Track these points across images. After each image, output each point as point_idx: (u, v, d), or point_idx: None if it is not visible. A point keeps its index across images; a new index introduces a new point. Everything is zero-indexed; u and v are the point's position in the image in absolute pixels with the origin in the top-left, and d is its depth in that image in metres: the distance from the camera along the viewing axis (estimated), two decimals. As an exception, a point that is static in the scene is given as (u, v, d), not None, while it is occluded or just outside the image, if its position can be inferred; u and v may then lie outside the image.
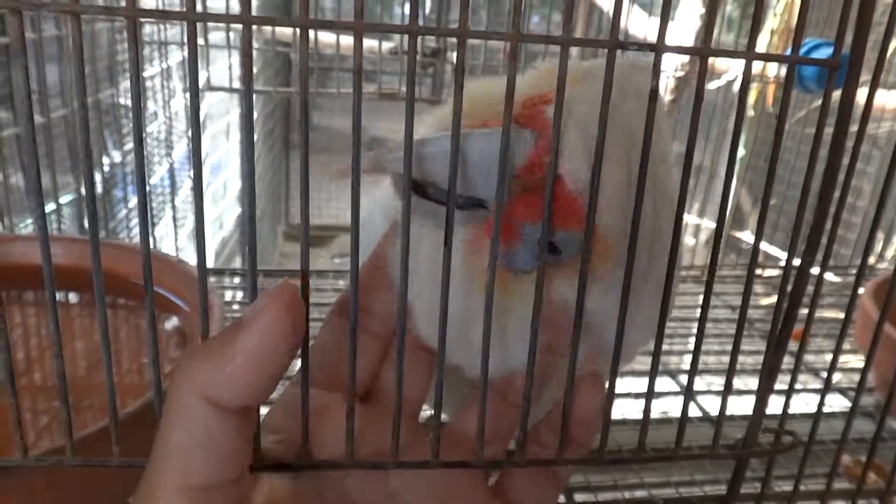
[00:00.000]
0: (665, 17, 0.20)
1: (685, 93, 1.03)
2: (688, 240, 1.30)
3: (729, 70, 1.26)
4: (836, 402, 0.64)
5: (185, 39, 0.18)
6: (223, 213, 1.85)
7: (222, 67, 1.03)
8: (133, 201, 1.00)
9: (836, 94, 0.23)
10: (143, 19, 0.17)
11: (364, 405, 0.26)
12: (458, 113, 0.19)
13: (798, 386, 0.65)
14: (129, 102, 1.03)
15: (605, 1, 1.28)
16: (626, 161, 0.23)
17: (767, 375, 0.25)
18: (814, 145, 0.24)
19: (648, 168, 0.24)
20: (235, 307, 0.77)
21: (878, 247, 1.12)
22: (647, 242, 0.24)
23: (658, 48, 0.20)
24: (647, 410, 0.24)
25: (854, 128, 0.25)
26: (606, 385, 0.24)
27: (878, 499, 0.33)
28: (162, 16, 0.18)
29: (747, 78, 0.21)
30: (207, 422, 0.19)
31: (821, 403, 0.32)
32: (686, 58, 1.11)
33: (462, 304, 0.25)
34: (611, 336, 0.23)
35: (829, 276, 0.99)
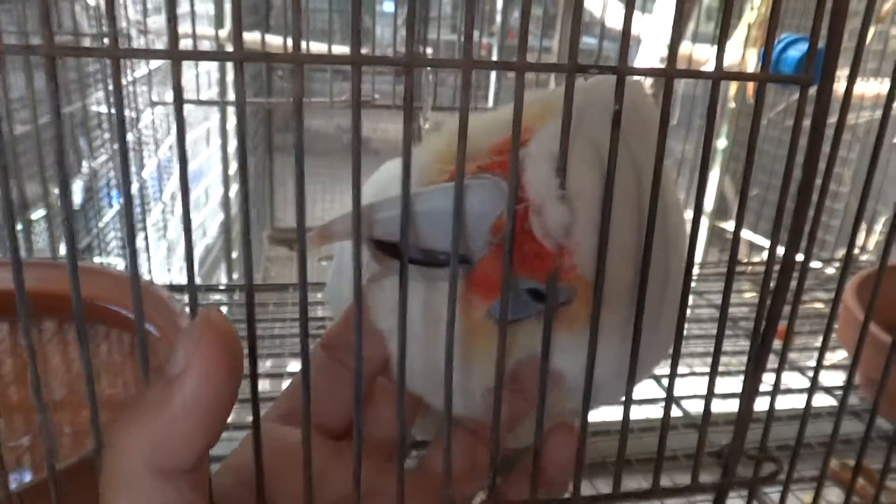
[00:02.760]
0: (626, 37, 0.19)
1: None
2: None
3: (708, 62, 1.26)
4: (824, 402, 0.64)
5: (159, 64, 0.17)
6: (206, 219, 1.83)
7: (192, 77, 1.01)
8: (107, 216, 0.98)
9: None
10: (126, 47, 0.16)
11: (342, 443, 0.26)
12: (407, 165, 0.18)
13: (782, 386, 0.64)
14: (100, 110, 1.01)
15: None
16: (622, 206, 0.22)
17: (747, 399, 0.25)
18: (789, 155, 0.23)
19: (638, 207, 0.23)
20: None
21: (861, 238, 1.12)
22: (656, 280, 0.23)
23: (620, 70, 0.19)
24: (622, 447, 0.23)
25: (834, 118, 0.24)
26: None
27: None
28: (84, 53, 0.17)
29: (715, 99, 0.20)
30: (155, 491, 0.18)
31: (806, 409, 0.31)
32: (665, 52, 1.11)
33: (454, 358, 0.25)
34: (616, 385, 0.23)
35: (814, 264, 0.98)
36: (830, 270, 0.96)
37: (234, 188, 1.86)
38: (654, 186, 0.20)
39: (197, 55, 0.17)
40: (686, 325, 0.78)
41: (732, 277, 0.24)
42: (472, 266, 0.24)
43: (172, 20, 0.17)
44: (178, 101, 0.17)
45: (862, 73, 1.12)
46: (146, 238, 0.95)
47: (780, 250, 0.24)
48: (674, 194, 0.26)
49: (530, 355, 0.25)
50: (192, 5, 0.87)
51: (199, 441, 0.18)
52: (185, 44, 0.94)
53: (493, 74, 1.29)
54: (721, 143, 1.67)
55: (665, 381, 0.62)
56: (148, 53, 0.17)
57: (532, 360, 0.24)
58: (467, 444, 0.26)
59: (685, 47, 1.22)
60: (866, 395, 0.61)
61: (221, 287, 0.80)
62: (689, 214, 0.22)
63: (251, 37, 1.00)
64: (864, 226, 1.14)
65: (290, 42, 0.17)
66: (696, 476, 0.24)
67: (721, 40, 0.19)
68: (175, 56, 0.17)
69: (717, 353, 0.25)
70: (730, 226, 1.59)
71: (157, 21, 0.85)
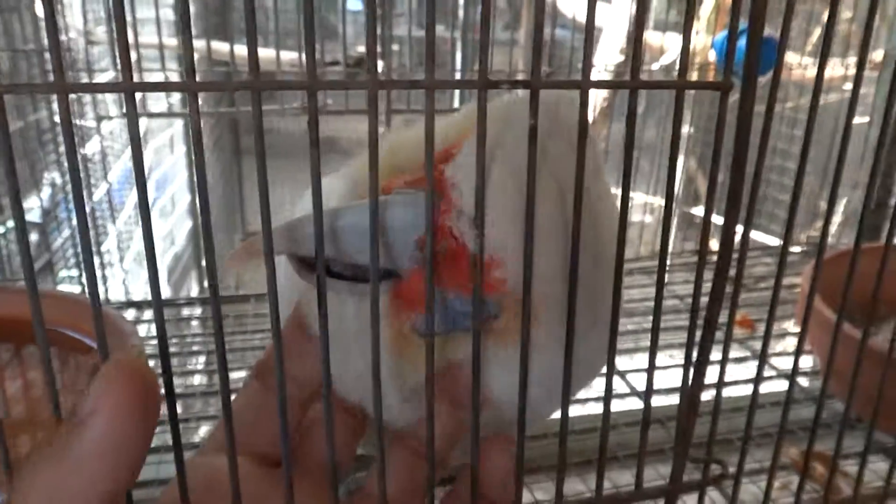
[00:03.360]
0: (538, 52, 0.18)
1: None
2: (637, 218, 1.30)
3: (669, 51, 1.26)
4: (778, 387, 0.64)
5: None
6: (173, 227, 1.81)
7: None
8: (66, 232, 0.96)
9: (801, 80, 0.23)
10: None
11: (279, 469, 0.25)
12: (317, 181, 0.18)
13: (747, 374, 0.64)
14: (56, 120, 0.99)
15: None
16: (560, 218, 0.23)
17: (688, 405, 0.24)
18: (713, 158, 0.23)
19: (564, 223, 0.23)
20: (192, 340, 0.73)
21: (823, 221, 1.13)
22: (589, 294, 0.23)
23: (533, 84, 0.18)
24: (562, 455, 0.23)
25: (804, 101, 0.24)
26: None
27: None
28: (31, 89, 0.16)
29: (633, 109, 0.20)
30: None
31: (753, 401, 0.31)
32: (623, 44, 1.11)
33: (387, 371, 0.25)
34: (551, 398, 0.24)
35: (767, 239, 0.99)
36: (795, 249, 0.98)
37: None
38: (576, 201, 0.20)
39: (150, 86, 0.17)
40: (648, 317, 0.79)
41: (664, 270, 0.24)
42: (400, 279, 0.24)
43: (124, 52, 0.16)
44: (69, 135, 0.16)
45: (815, 57, 1.13)
46: (100, 252, 0.93)
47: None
48: (608, 204, 0.26)
49: (462, 368, 0.25)
50: (157, 17, 0.85)
51: (105, 485, 0.17)
52: (152, 54, 0.92)
53: (458, 75, 1.30)
54: (685, 128, 1.68)
55: (629, 377, 0.62)
56: (99, 87, 0.17)
57: (465, 374, 0.24)
58: (407, 462, 0.25)
59: (645, 35, 1.23)
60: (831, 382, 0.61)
61: (183, 300, 0.79)
62: (658, 201, 0.22)
63: (216, 46, 0.97)
64: (824, 206, 1.15)
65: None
66: (640, 482, 0.24)
67: (636, 52, 0.19)
68: (128, 88, 0.16)
69: (653, 346, 0.24)
70: (700, 211, 1.61)
71: (104, 30, 0.83)
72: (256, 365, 0.27)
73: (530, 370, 0.22)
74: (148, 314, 0.75)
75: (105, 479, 0.17)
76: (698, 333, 0.25)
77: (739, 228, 0.25)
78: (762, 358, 0.29)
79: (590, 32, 0.19)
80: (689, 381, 0.25)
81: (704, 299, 0.27)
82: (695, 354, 0.26)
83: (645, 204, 1.26)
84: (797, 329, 0.74)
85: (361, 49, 0.86)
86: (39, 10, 0.78)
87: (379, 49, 0.96)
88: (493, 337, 0.24)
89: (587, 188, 0.21)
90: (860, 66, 0.24)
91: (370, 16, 0.17)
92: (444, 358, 0.25)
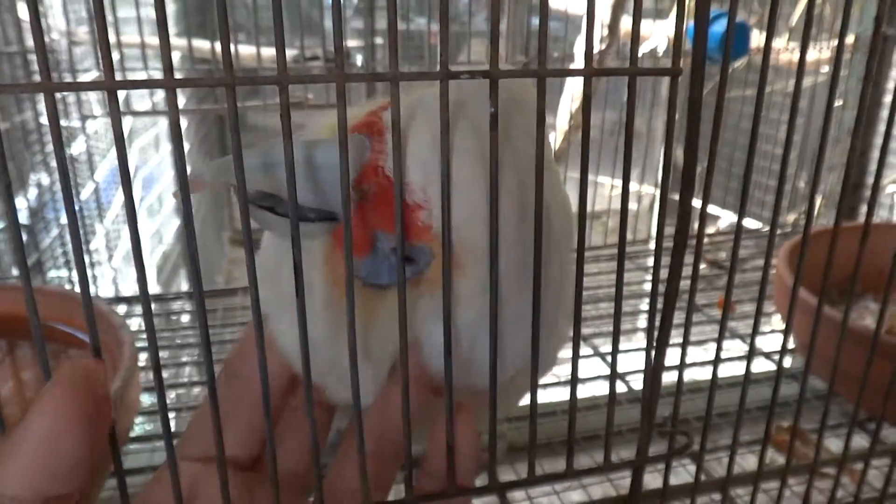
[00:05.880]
0: (495, 42, 0.19)
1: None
2: (618, 205, 1.31)
3: (651, 37, 1.28)
4: (764, 367, 0.66)
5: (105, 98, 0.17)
6: (161, 226, 1.81)
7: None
8: (55, 231, 0.96)
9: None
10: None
11: (249, 475, 0.25)
12: (291, 171, 0.19)
13: (724, 353, 0.66)
14: (42, 121, 0.99)
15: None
16: (481, 168, 0.22)
17: (651, 377, 0.26)
18: (666, 144, 0.24)
19: (514, 175, 0.23)
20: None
21: (804, 206, 1.15)
22: (516, 252, 0.23)
23: (492, 74, 0.19)
24: (532, 432, 0.24)
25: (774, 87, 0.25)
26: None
27: (779, 479, 0.33)
28: (17, 89, 0.17)
29: (588, 95, 0.21)
30: None
31: (713, 380, 0.32)
32: (604, 33, 1.12)
33: (327, 325, 0.23)
34: (480, 356, 0.23)
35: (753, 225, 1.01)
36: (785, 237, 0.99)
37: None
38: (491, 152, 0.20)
39: (130, 84, 0.18)
40: (630, 301, 0.80)
41: (624, 254, 0.25)
42: (337, 222, 0.23)
43: (106, 52, 0.17)
44: (56, 133, 0.17)
45: (792, 40, 1.14)
46: (89, 251, 0.93)
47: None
48: (552, 172, 0.26)
49: (420, 347, 0.23)
50: (138, 16, 0.85)
51: (40, 482, 0.18)
52: (134, 53, 0.93)
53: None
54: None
55: (609, 359, 0.63)
56: (82, 85, 0.18)
57: (424, 353, 0.23)
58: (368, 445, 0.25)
59: (626, 23, 1.24)
60: (803, 358, 0.63)
61: (171, 295, 0.79)
62: (646, 189, 0.23)
63: (197, 44, 0.97)
64: (805, 190, 1.16)
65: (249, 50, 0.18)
66: (608, 455, 0.25)
67: (589, 40, 0.20)
68: (111, 87, 0.17)
69: (616, 324, 0.26)
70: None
71: (86, 31, 0.83)
72: (225, 365, 0.26)
73: (455, 323, 0.22)
74: (138, 309, 0.76)
75: (39, 476, 0.18)
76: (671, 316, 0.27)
77: (722, 213, 0.26)
78: (720, 338, 0.31)
79: (544, 22, 0.20)
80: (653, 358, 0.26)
81: (686, 282, 0.28)
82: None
83: (636, 192, 1.28)
84: (776, 310, 0.76)
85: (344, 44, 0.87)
86: (21, 13, 0.79)
87: (362, 42, 0.97)
88: (427, 287, 0.23)
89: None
90: (803, 51, 0.25)
91: (336, 10, 0.18)
92: (388, 318, 0.23)
